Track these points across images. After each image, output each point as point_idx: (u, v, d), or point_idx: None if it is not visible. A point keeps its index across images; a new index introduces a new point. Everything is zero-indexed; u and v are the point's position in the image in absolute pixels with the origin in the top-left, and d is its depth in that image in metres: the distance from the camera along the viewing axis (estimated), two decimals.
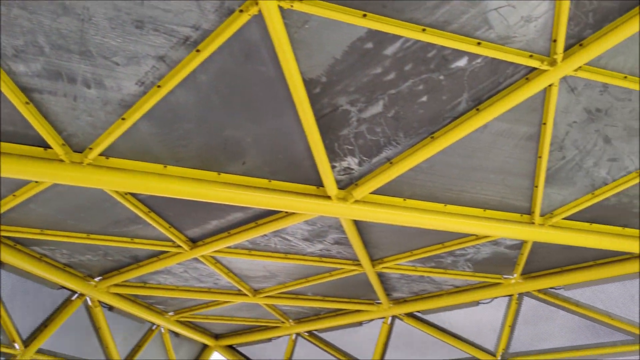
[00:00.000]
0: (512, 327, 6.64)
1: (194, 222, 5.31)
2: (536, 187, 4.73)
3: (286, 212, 4.93)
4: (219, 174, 4.31)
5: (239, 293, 7.01)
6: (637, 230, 5.29)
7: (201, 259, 6.03)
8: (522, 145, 4.40)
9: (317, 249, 5.83)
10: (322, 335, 8.10)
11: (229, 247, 5.71)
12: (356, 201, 4.57)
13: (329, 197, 4.52)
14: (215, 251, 5.73)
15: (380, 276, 6.61)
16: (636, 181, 4.70)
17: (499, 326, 6.73)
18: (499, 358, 6.70)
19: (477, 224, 4.92)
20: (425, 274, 6.37)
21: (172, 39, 3.36)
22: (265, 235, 5.47)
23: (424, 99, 3.97)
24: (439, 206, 4.84)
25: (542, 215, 5.05)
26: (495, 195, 4.85)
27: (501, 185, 4.75)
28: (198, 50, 3.43)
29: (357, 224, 5.30)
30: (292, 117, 3.98)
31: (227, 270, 6.43)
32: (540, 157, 4.45)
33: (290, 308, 7.75)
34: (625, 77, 3.91)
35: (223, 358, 8.87)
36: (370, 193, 4.61)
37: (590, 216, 5.14)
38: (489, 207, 4.94)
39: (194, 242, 5.65)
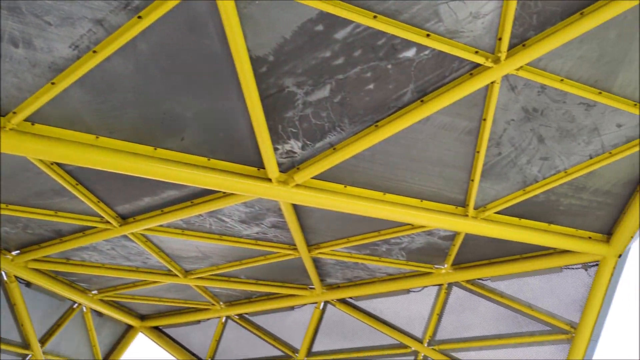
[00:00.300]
0: (440, 315, 6.84)
1: (125, 197, 5.07)
2: (472, 180, 4.86)
3: (224, 193, 4.80)
4: (155, 149, 4.12)
5: (169, 273, 6.80)
6: (562, 227, 5.56)
7: (131, 236, 5.79)
8: (462, 139, 4.49)
9: (253, 231, 5.74)
10: (253, 318, 8.03)
11: (161, 226, 5.51)
12: (297, 185, 4.51)
13: (269, 180, 4.43)
14: (147, 229, 5.51)
15: (316, 261, 6.62)
16: (564, 180, 4.92)
17: (428, 314, 6.92)
18: (426, 345, 6.90)
19: (414, 214, 5.00)
20: (360, 261, 6.43)
21: (112, 2, 3.14)
22: (200, 215, 5.31)
23: (371, 86, 3.95)
24: (378, 194, 4.87)
25: (475, 208, 5.20)
26: (432, 187, 4.94)
27: (439, 177, 4.84)
28: (140, 17, 3.23)
29: (296, 208, 5.26)
30: (236, 95, 3.85)
31: (157, 249, 6.21)
32: (478, 151, 4.57)
33: (222, 290, 7.62)
34: (562, 80, 4.07)
35: (147, 339, 8.62)
36: (312, 178, 4.56)
37: (520, 211, 5.35)
38: (425, 198, 5.03)
39: (124, 218, 5.40)
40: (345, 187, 4.74)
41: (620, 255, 5.76)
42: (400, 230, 5.67)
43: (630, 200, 5.29)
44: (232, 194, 4.72)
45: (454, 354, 6.76)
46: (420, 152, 4.57)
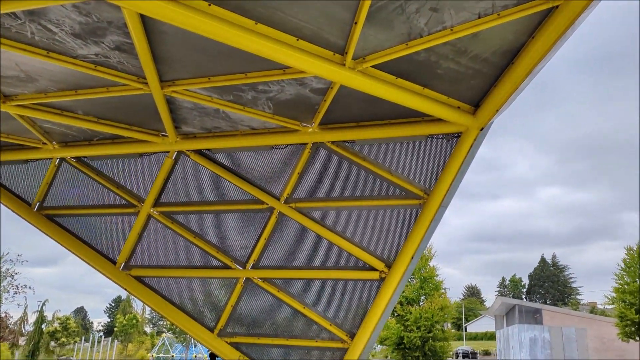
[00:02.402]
0: (301, 175, 6.58)
1: None
2: (355, 23, 4.29)
3: None
4: None
5: None
6: (435, 93, 5.36)
7: None
8: None
9: (91, 52, 4.68)
10: (93, 163, 7.12)
11: None
12: None
13: None
14: None
15: (170, 103, 5.80)
16: (448, 38, 4.57)
17: (288, 172, 6.62)
18: (282, 202, 6.68)
19: (287, 53, 4.37)
20: (222, 107, 5.76)
21: None
22: (15, 16, 4.12)
23: None
24: (249, 22, 4.12)
25: (354, 58, 4.71)
26: (311, 24, 4.29)
27: (320, 13, 4.19)
28: None
29: (146, 27, 4.30)
30: None
31: None
32: None
33: (54, 127, 6.52)
34: None
35: None
36: None
37: (397, 69, 4.98)
38: (302, 37, 4.40)
39: None
40: (209, 5, 3.89)
41: (482, 129, 5.81)
42: (270, 75, 5.04)
43: (504, 72, 5.17)
44: None
45: (310, 212, 6.64)
46: None
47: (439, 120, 5.95)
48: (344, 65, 4.67)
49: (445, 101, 5.50)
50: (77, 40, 4.48)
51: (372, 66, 4.84)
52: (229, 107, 5.76)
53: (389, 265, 6.43)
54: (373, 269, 6.45)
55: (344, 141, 6.39)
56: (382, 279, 6.40)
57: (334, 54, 4.64)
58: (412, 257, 6.30)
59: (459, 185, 6.19)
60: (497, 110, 5.54)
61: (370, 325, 6.32)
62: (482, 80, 5.29)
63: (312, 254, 6.82)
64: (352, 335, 6.50)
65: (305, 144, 6.52)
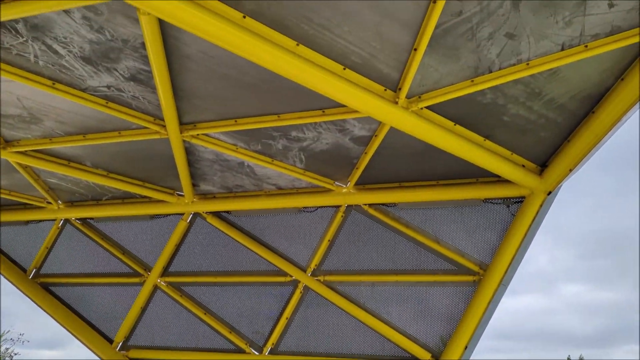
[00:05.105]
0: (332, 243, 5.68)
1: None
2: (415, 50, 3.61)
3: None
4: None
5: None
6: (497, 146, 4.58)
7: None
8: None
9: (103, 82, 4.02)
10: (99, 225, 6.32)
11: None
12: None
13: None
14: None
15: (189, 154, 5.09)
16: (522, 75, 3.85)
17: (317, 240, 5.73)
18: (309, 274, 5.72)
19: (331, 83, 3.66)
20: (247, 159, 5.00)
21: None
22: (16, 32, 3.48)
23: None
24: (289, 43, 3.45)
25: (408, 96, 3.99)
26: (363, 49, 3.61)
27: (375, 34, 3.52)
28: None
29: (167, 49, 3.64)
30: None
31: None
32: (434, 1, 3.30)
33: (60, 182, 5.80)
34: None
35: None
36: None
37: (456, 114, 4.25)
38: (350, 65, 3.71)
39: None
40: (244, 17, 3.25)
41: (549, 193, 4.95)
42: (305, 116, 4.32)
43: (582, 123, 4.40)
44: None
45: (342, 288, 5.66)
46: None
47: (498, 181, 5.14)
48: (397, 103, 3.95)
49: (509, 157, 4.71)
50: (87, 67, 3.83)
51: (428, 107, 4.11)
52: (256, 158, 5.01)
53: (436, 358, 5.33)
54: None
55: (384, 204, 5.56)
56: None
57: (385, 89, 3.93)
58: (466, 348, 5.21)
59: (521, 260, 5.22)
60: (570, 170, 4.73)
61: None
62: (554, 132, 4.53)
63: (341, 339, 5.74)
64: None
65: (338, 207, 5.69)
